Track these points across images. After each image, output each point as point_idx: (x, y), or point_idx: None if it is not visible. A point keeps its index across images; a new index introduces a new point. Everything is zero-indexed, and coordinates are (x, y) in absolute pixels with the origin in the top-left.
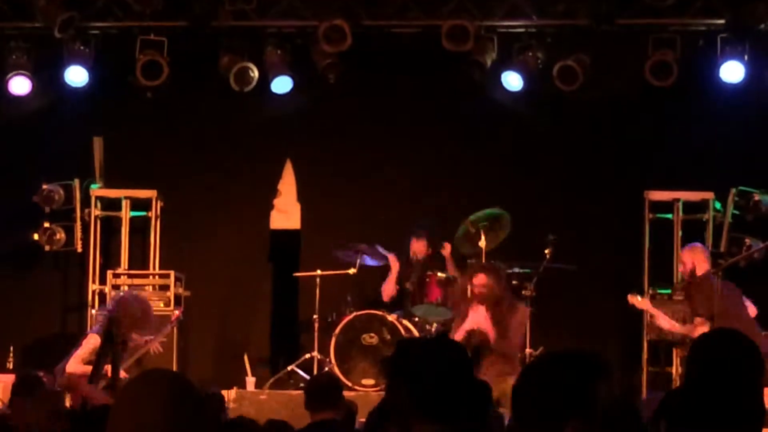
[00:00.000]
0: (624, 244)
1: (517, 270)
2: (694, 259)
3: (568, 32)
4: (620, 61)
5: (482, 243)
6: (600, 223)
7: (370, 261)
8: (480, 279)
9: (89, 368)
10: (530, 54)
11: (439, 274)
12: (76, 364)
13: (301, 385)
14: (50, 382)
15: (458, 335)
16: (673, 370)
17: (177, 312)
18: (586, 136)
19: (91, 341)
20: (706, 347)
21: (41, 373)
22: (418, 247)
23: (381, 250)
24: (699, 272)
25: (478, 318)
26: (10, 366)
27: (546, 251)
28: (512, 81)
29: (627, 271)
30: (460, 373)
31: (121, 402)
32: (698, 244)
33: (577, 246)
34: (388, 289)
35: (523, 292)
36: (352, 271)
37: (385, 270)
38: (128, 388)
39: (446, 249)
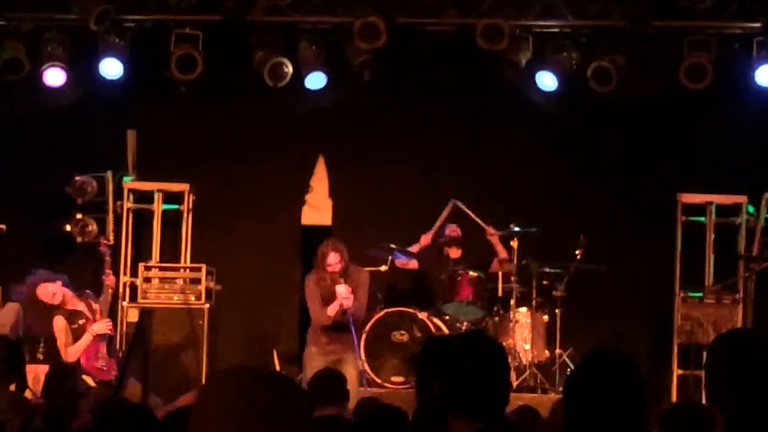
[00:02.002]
0: (656, 246)
1: (547, 270)
2: None
3: (603, 33)
4: (655, 62)
5: (514, 243)
6: (632, 225)
7: (400, 256)
8: (334, 257)
9: (78, 346)
10: (565, 54)
11: (471, 272)
12: (75, 351)
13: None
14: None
15: (332, 311)
16: (704, 374)
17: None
18: (620, 138)
19: (56, 324)
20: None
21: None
22: (453, 230)
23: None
24: None
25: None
26: (41, 357)
27: (577, 252)
28: (546, 81)
29: (658, 274)
30: (497, 368)
31: (207, 399)
32: None
33: (608, 247)
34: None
35: (554, 293)
36: (383, 268)
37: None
38: (213, 385)
39: (492, 233)
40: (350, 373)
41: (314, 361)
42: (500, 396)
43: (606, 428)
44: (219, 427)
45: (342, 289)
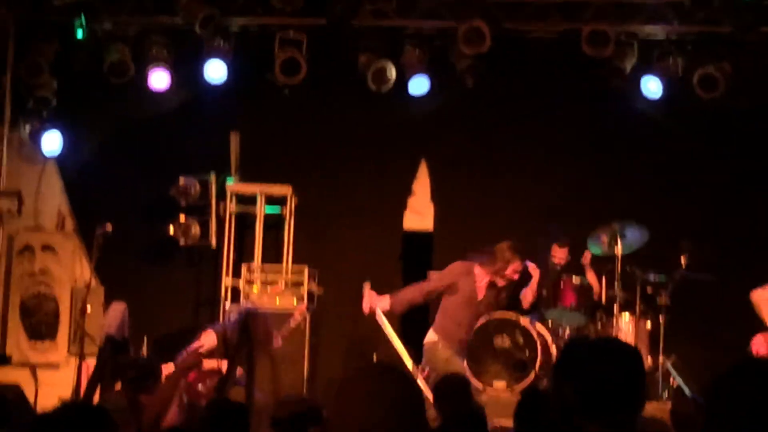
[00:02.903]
0: (762, 253)
1: (652, 277)
2: None
3: (710, 39)
4: (762, 69)
5: (618, 250)
6: (740, 233)
7: None
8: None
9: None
10: (670, 61)
11: (574, 278)
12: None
13: None
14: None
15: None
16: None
17: (302, 307)
18: (726, 145)
19: (208, 339)
20: None
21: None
22: (560, 254)
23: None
24: None
25: None
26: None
27: (681, 258)
28: (652, 87)
29: (764, 280)
30: (632, 374)
31: (347, 394)
32: None
33: (716, 255)
34: (528, 295)
35: (658, 300)
36: None
37: (523, 276)
38: (353, 380)
39: (586, 257)
40: None
41: None
42: (634, 403)
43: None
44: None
45: None
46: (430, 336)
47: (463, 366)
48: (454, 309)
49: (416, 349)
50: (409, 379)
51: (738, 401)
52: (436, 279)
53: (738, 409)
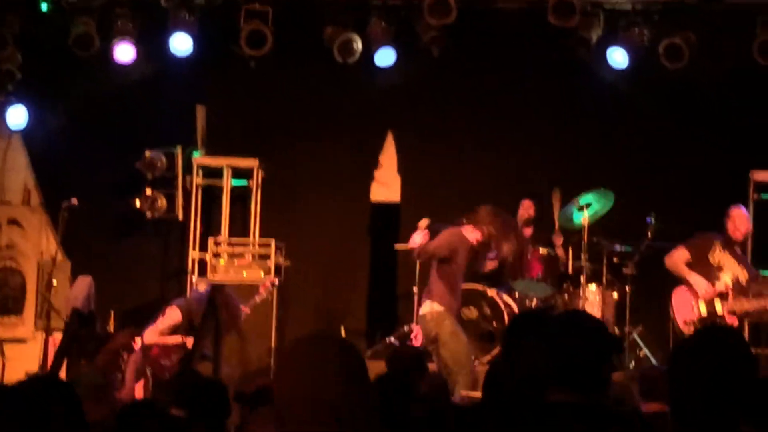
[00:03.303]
0: None
1: (618, 248)
2: None
3: (676, 10)
4: (727, 39)
5: (584, 220)
6: (704, 202)
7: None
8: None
9: (165, 339)
10: (636, 31)
11: (541, 249)
12: (154, 335)
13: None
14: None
15: None
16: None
17: (267, 282)
18: (691, 115)
19: (173, 315)
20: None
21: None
22: (527, 205)
23: None
24: None
25: None
26: (111, 330)
27: (647, 230)
28: (618, 58)
29: None
30: (602, 346)
31: (290, 363)
32: None
33: (680, 225)
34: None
35: (624, 270)
36: None
37: None
38: (296, 349)
39: (559, 241)
40: None
41: None
42: (601, 372)
43: (714, 403)
44: (301, 387)
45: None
46: (434, 306)
47: (467, 342)
48: (455, 279)
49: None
50: (352, 348)
51: (698, 367)
52: (445, 243)
53: (698, 375)
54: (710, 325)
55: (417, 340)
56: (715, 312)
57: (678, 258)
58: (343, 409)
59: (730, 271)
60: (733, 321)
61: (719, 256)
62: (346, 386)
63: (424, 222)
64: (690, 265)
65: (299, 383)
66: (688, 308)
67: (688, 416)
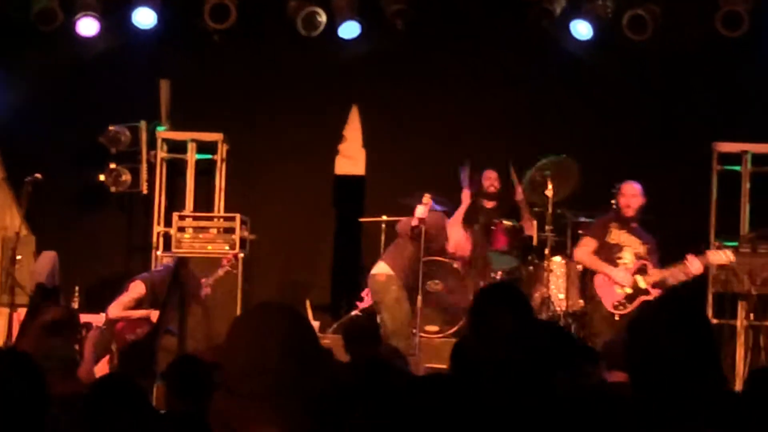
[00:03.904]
0: (691, 195)
1: (583, 219)
2: None
3: None
4: (691, 11)
5: (548, 192)
6: (668, 174)
7: (437, 207)
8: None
9: (129, 314)
10: (600, 2)
11: (506, 221)
12: (118, 309)
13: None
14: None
15: None
16: (738, 323)
17: (230, 256)
18: (655, 87)
19: (137, 289)
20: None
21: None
22: (492, 176)
23: (464, 174)
24: None
25: None
26: (76, 305)
27: (612, 201)
28: (581, 30)
29: (693, 223)
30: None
31: (237, 333)
32: None
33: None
34: (454, 230)
35: None
36: None
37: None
38: (244, 321)
39: (519, 194)
40: None
41: None
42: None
43: (672, 370)
44: (247, 357)
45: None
46: (384, 269)
47: (409, 311)
48: (417, 258)
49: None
50: (299, 317)
51: (654, 336)
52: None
53: (654, 344)
54: (667, 295)
55: (368, 299)
56: (640, 287)
57: (585, 250)
58: (287, 377)
59: (630, 248)
60: (656, 293)
61: (617, 235)
62: (291, 355)
63: (427, 197)
64: (597, 253)
65: (244, 353)
66: (611, 291)
67: (646, 385)
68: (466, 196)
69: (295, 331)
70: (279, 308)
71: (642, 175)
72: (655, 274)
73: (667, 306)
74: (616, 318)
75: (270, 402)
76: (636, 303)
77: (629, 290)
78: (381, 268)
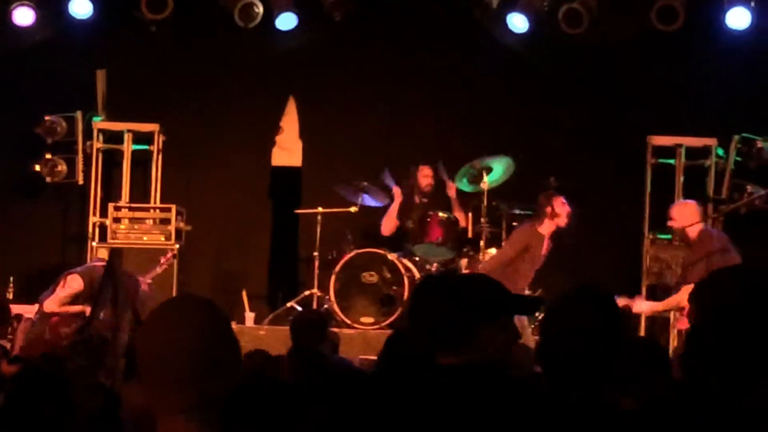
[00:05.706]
0: (626, 188)
1: (518, 212)
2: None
3: None
4: (626, 4)
5: (484, 185)
6: (602, 167)
7: (370, 201)
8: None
9: (66, 309)
10: None
11: (441, 213)
12: (55, 304)
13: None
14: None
15: None
16: (671, 315)
17: (168, 254)
18: (590, 80)
19: (73, 284)
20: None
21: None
22: (427, 172)
23: (388, 179)
24: (692, 234)
25: None
26: (10, 296)
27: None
28: (517, 23)
29: (628, 216)
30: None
31: (151, 325)
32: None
33: (578, 189)
34: (389, 222)
35: None
36: (353, 209)
37: (386, 208)
38: (159, 311)
39: (451, 189)
40: None
41: None
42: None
43: (582, 357)
44: (159, 345)
45: None
46: None
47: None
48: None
49: None
50: (213, 307)
51: (564, 326)
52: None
53: (565, 334)
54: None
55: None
56: None
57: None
58: (198, 367)
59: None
60: None
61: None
62: (204, 346)
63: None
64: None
65: (156, 341)
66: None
67: (556, 375)
68: (398, 193)
69: (210, 323)
70: (195, 300)
71: (577, 168)
72: None
73: (579, 296)
74: None
75: (178, 391)
76: None
77: None
78: None
